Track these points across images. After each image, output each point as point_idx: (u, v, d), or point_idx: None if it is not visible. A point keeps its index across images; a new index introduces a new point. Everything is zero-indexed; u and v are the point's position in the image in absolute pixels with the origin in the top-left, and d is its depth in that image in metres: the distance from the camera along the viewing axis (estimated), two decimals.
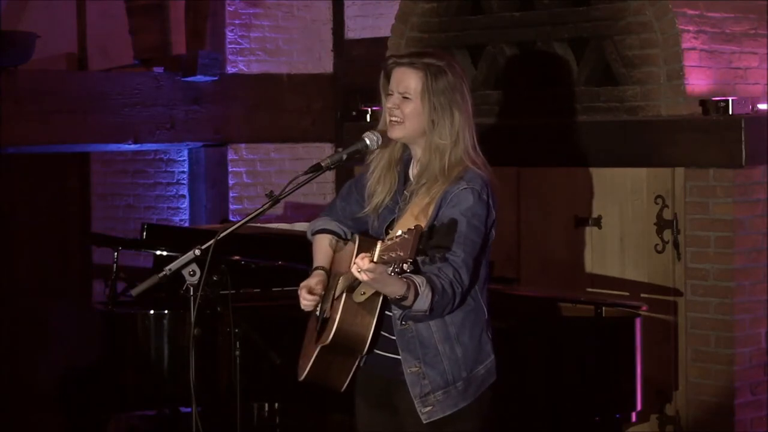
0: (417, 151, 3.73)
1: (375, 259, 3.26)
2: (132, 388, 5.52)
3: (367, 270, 3.28)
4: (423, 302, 3.42)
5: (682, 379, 6.02)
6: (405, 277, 3.36)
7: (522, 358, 5.12)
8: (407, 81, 3.64)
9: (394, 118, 3.67)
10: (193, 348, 3.82)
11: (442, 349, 3.62)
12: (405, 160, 3.78)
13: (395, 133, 3.68)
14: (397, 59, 3.70)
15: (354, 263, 3.35)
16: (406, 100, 3.65)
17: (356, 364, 3.73)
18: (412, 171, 3.75)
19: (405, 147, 3.77)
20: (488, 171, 3.67)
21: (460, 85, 3.67)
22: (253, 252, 5.66)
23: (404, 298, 3.39)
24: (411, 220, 3.56)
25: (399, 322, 3.60)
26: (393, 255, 3.22)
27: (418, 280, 3.41)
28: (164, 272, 3.72)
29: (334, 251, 3.88)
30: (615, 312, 5.36)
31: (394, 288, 3.37)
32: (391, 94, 3.68)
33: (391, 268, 3.24)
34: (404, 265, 3.22)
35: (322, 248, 3.89)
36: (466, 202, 3.56)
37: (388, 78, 3.71)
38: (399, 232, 3.24)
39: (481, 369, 3.68)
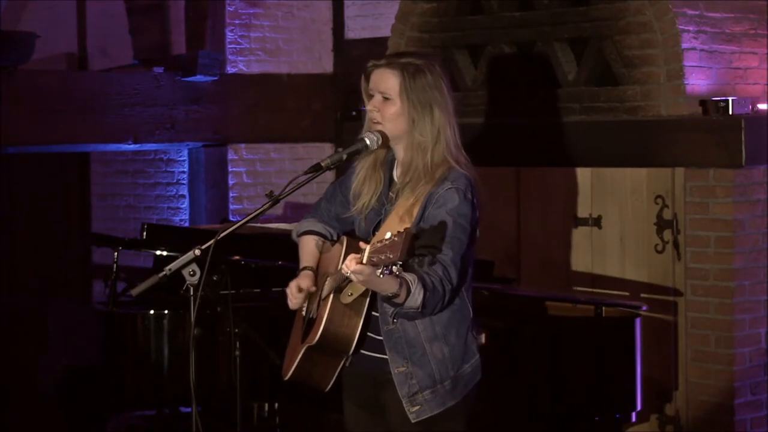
0: (399, 152, 3.75)
1: (364, 261, 3.28)
2: (132, 388, 5.52)
3: (356, 272, 3.31)
4: (415, 300, 3.44)
5: (682, 379, 6.02)
6: (397, 275, 3.37)
7: (522, 358, 5.13)
8: (386, 81, 3.69)
9: (374, 120, 3.70)
10: (193, 348, 3.82)
11: (429, 348, 3.64)
12: (389, 162, 3.80)
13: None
14: (375, 62, 3.75)
15: (344, 264, 3.36)
16: (386, 100, 3.69)
17: (342, 364, 3.74)
18: (396, 172, 3.77)
19: (389, 149, 3.79)
20: (471, 170, 3.69)
21: (440, 84, 3.69)
22: (253, 252, 5.66)
23: (396, 295, 3.41)
24: (396, 221, 3.58)
25: (391, 320, 3.61)
26: (382, 257, 3.25)
27: (410, 277, 3.43)
28: (164, 272, 3.73)
29: (321, 252, 3.90)
30: (615, 312, 5.37)
31: (387, 286, 3.39)
32: (372, 96, 3.72)
33: (380, 270, 3.26)
34: (393, 267, 3.25)
35: (309, 249, 3.91)
36: (452, 202, 3.58)
37: (368, 81, 3.75)
38: (388, 235, 3.27)
39: (468, 368, 3.70)
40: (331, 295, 3.62)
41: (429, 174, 3.63)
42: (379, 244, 3.26)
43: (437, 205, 3.58)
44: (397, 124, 3.68)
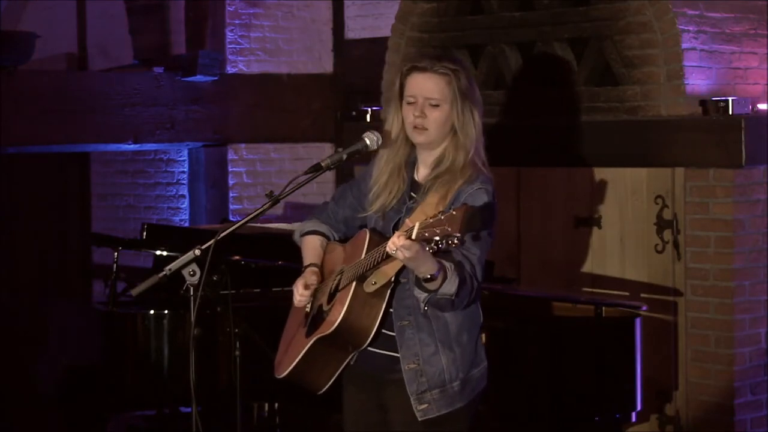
0: (426, 156, 3.74)
1: (413, 237, 3.26)
2: (132, 388, 5.52)
3: (404, 246, 3.28)
4: (451, 285, 3.43)
5: (682, 379, 6.02)
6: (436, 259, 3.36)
7: (522, 358, 5.13)
8: (433, 87, 3.66)
9: (419, 126, 3.67)
10: (193, 348, 3.82)
11: (442, 347, 3.64)
12: (411, 164, 3.79)
13: (420, 139, 3.70)
14: (416, 65, 3.70)
15: (390, 242, 3.33)
16: (433, 106, 3.66)
17: (346, 362, 3.73)
18: (417, 174, 3.76)
19: (412, 149, 3.77)
20: (490, 173, 3.70)
21: (475, 88, 3.75)
22: (253, 252, 5.66)
23: (433, 278, 3.39)
24: (421, 217, 3.57)
25: (423, 306, 3.56)
26: (437, 230, 3.21)
27: (447, 263, 3.42)
28: (164, 272, 3.73)
29: (324, 252, 3.89)
30: (615, 312, 5.36)
31: (428, 266, 3.37)
32: (414, 102, 3.68)
33: (431, 245, 3.23)
34: (449, 241, 3.20)
35: (314, 248, 3.91)
36: (481, 201, 3.58)
37: (402, 84, 3.72)
38: (437, 212, 3.25)
39: (476, 372, 3.70)
40: (353, 284, 3.59)
41: (461, 171, 3.64)
42: (431, 220, 3.24)
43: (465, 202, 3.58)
44: (443, 129, 3.68)
